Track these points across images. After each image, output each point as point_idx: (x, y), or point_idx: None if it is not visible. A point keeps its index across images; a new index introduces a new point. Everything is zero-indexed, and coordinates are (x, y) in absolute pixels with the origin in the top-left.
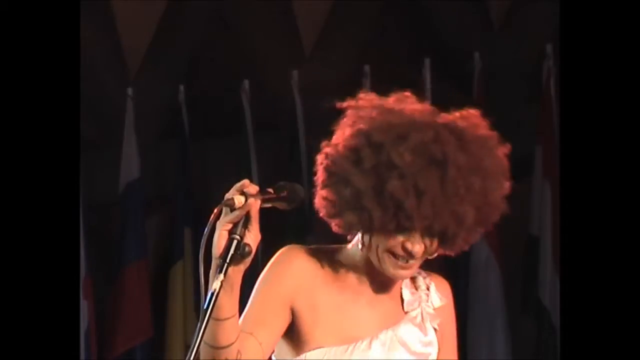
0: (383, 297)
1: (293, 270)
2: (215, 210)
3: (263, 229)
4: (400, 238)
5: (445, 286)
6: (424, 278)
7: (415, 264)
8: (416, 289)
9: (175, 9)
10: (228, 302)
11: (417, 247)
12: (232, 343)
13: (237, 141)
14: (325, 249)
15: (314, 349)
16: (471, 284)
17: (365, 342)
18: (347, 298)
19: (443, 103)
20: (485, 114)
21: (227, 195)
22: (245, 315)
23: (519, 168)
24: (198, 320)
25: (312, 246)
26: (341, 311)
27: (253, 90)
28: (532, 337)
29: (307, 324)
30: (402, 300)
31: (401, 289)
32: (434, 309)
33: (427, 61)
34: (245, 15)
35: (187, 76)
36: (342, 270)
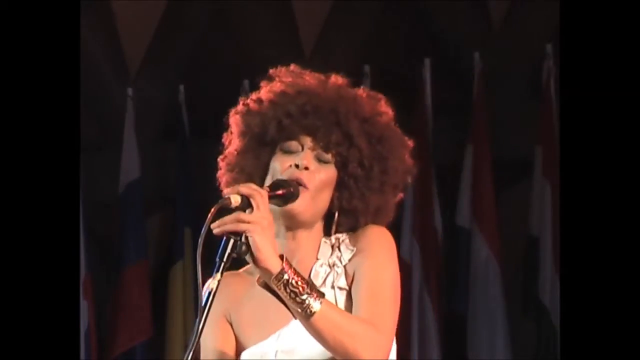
0: None
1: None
2: (212, 210)
3: None
4: (290, 158)
5: (364, 230)
6: (340, 240)
7: (306, 191)
8: (329, 260)
9: (175, 9)
10: None
11: (305, 162)
12: None
13: None
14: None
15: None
16: (471, 284)
17: (279, 332)
18: (264, 297)
19: (443, 103)
20: (485, 114)
21: (225, 192)
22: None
23: (519, 168)
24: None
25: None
26: (261, 309)
27: (253, 90)
28: (532, 337)
29: (237, 332)
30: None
31: (311, 270)
32: (346, 264)
33: (427, 61)
34: (245, 15)
35: (187, 76)
36: (256, 276)
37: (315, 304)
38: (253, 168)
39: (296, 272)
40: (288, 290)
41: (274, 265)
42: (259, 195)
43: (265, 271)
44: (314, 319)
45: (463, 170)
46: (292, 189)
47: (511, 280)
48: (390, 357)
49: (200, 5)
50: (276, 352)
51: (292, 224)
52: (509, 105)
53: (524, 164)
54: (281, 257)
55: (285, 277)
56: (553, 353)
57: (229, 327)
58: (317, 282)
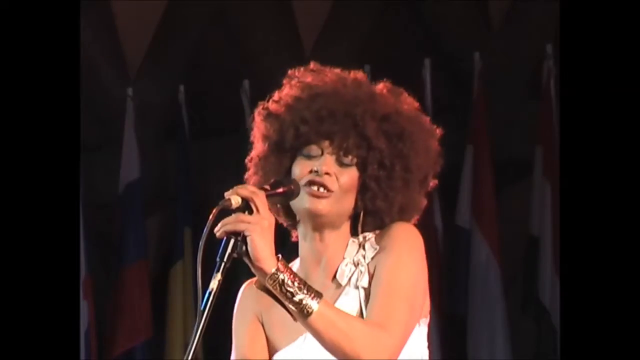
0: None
1: (243, 303)
2: (214, 211)
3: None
4: (310, 163)
5: (389, 228)
6: (367, 238)
7: (327, 194)
8: (354, 259)
9: (175, 9)
10: None
11: (324, 167)
12: None
13: (237, 141)
14: None
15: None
16: (471, 284)
17: (305, 334)
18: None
19: (443, 103)
20: (485, 114)
21: (226, 195)
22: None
23: (519, 168)
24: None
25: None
26: (285, 315)
27: (253, 90)
28: (532, 337)
29: (268, 334)
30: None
31: (337, 269)
32: (369, 263)
33: (427, 61)
34: (245, 15)
35: (187, 76)
36: None
37: (312, 304)
38: (275, 173)
39: (292, 273)
40: (284, 290)
41: (269, 265)
42: (257, 197)
43: (260, 271)
44: (311, 319)
45: (463, 170)
46: (292, 186)
47: (511, 280)
48: (420, 358)
49: (200, 5)
50: (304, 355)
51: (317, 224)
52: (509, 105)
53: (524, 164)
54: (278, 258)
55: (281, 277)
56: (553, 353)
57: (261, 328)
58: (343, 281)
